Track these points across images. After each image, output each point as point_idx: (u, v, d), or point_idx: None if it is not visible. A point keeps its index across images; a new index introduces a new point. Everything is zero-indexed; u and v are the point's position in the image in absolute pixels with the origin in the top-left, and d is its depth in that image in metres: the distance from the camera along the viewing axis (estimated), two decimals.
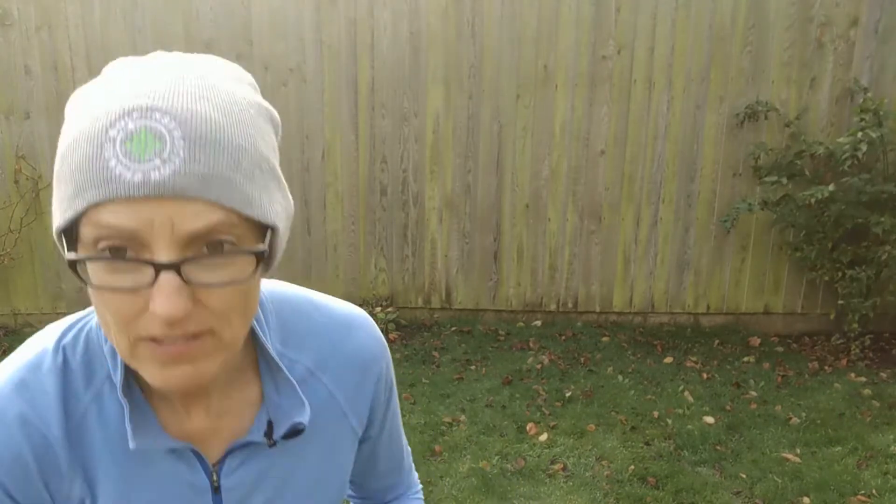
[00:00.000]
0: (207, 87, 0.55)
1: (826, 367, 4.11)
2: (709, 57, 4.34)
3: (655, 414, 3.54)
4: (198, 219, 0.52)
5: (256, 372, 0.71)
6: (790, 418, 3.49)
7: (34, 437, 0.64)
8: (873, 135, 3.84)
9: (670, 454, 3.19)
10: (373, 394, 0.79)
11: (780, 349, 4.38)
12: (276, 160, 0.60)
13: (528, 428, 3.40)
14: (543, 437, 3.33)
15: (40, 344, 0.69)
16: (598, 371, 4.05)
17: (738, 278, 4.61)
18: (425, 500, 2.92)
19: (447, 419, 3.49)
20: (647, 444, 3.29)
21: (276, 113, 0.62)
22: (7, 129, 4.59)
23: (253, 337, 0.71)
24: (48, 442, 0.65)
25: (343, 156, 4.60)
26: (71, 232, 0.55)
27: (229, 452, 0.70)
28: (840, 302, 4.24)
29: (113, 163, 0.50)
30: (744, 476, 3.02)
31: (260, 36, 4.41)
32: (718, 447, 3.24)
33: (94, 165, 0.51)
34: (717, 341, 4.46)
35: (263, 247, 0.57)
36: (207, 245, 0.54)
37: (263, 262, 0.58)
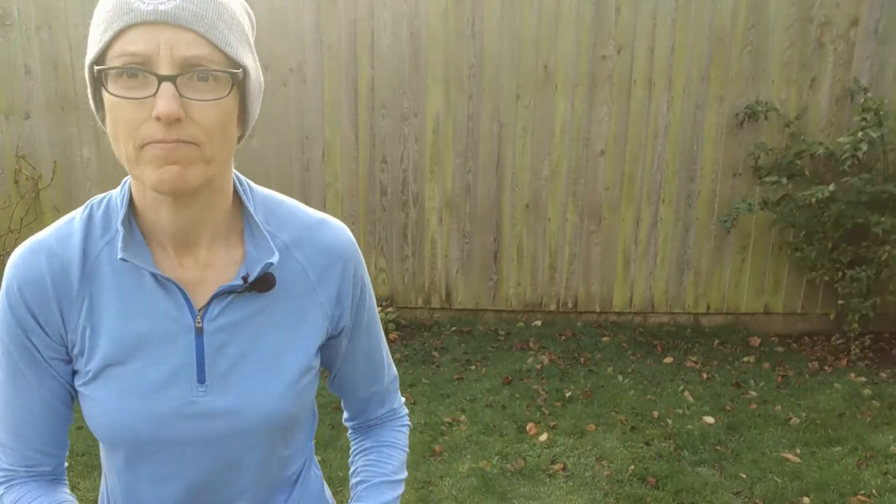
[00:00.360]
0: None
1: (826, 367, 4.11)
2: (709, 57, 4.34)
3: (655, 414, 3.54)
4: (190, 48, 0.72)
5: (241, 239, 0.87)
6: (790, 418, 3.49)
7: (55, 266, 0.82)
8: (873, 135, 3.84)
9: (670, 454, 3.19)
10: (341, 280, 0.91)
11: (780, 349, 4.39)
12: (250, 39, 0.80)
13: (528, 428, 3.40)
14: (543, 437, 3.33)
15: (80, 207, 0.88)
16: (598, 371, 4.05)
17: (738, 278, 4.61)
18: (425, 500, 2.92)
19: (447, 419, 3.49)
20: (647, 444, 3.29)
21: (253, 15, 0.83)
22: (7, 129, 4.59)
23: (240, 208, 0.88)
24: (66, 272, 0.82)
25: (343, 156, 4.60)
26: (100, 62, 0.74)
27: (213, 298, 0.84)
28: (840, 302, 4.24)
29: (134, 2, 0.71)
30: (744, 476, 3.02)
31: (260, 36, 4.40)
32: (718, 447, 3.24)
33: (121, 4, 0.72)
34: (717, 341, 4.47)
35: (237, 71, 0.75)
36: (197, 75, 0.73)
37: (237, 89, 0.77)
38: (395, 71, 4.45)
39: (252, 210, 0.86)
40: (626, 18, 4.33)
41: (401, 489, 1.02)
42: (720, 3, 4.27)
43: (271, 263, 0.83)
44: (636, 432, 3.39)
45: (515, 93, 4.46)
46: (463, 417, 3.51)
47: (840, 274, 4.19)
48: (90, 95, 0.79)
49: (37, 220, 4.68)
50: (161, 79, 0.71)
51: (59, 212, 4.69)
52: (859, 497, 2.84)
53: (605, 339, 4.49)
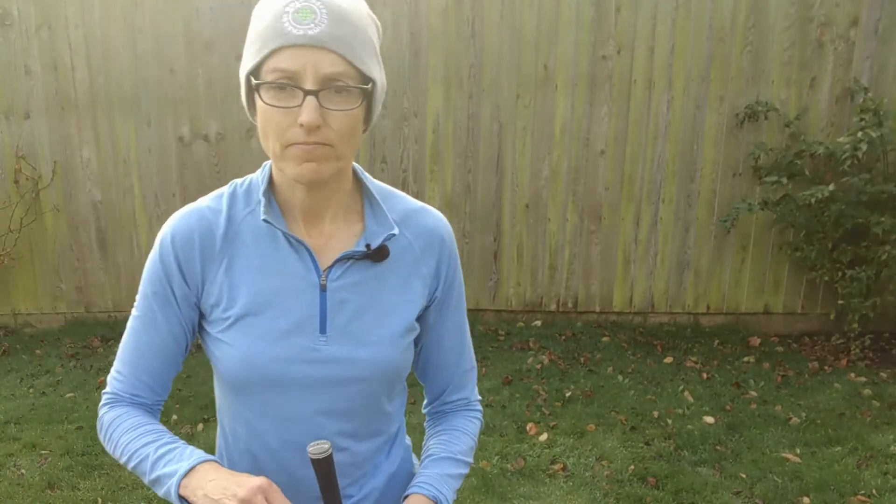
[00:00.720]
0: None
1: (826, 367, 4.11)
2: (709, 57, 4.34)
3: (655, 414, 3.54)
4: (331, 66, 0.88)
5: (362, 216, 1.03)
6: (790, 418, 3.49)
7: (204, 226, 0.99)
8: (873, 134, 3.84)
9: (670, 454, 3.19)
10: (439, 256, 1.06)
11: (780, 349, 4.39)
12: (377, 48, 0.95)
13: (528, 428, 3.40)
14: (543, 437, 3.33)
15: (226, 186, 1.05)
16: (598, 371, 4.05)
17: (738, 278, 4.61)
18: None
19: None
20: (647, 444, 3.29)
21: (379, 23, 0.98)
22: (7, 129, 4.59)
23: (361, 189, 1.05)
24: (212, 233, 0.99)
25: None
26: (256, 74, 0.90)
27: (336, 261, 0.99)
28: (840, 302, 4.24)
29: (286, 25, 0.87)
30: (744, 476, 3.02)
31: None
32: (718, 447, 3.24)
33: (276, 26, 0.87)
34: (717, 341, 4.47)
35: (367, 86, 0.92)
36: (335, 89, 0.89)
37: (366, 100, 0.93)
38: (395, 71, 4.45)
39: (372, 188, 1.04)
40: (626, 18, 4.33)
41: (464, 469, 1.11)
42: (720, 3, 4.27)
43: (393, 235, 1.01)
44: (636, 432, 3.39)
45: (515, 93, 4.46)
46: None
47: (840, 274, 4.19)
48: (244, 98, 0.95)
49: (37, 220, 4.68)
50: (306, 93, 0.87)
51: (59, 212, 4.69)
52: (859, 497, 2.84)
53: (605, 339, 4.49)
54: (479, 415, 1.18)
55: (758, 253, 4.56)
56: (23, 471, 3.10)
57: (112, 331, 4.63)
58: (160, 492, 0.95)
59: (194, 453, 0.95)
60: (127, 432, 1.00)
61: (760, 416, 3.53)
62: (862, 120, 3.96)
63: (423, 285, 1.05)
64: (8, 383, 4.00)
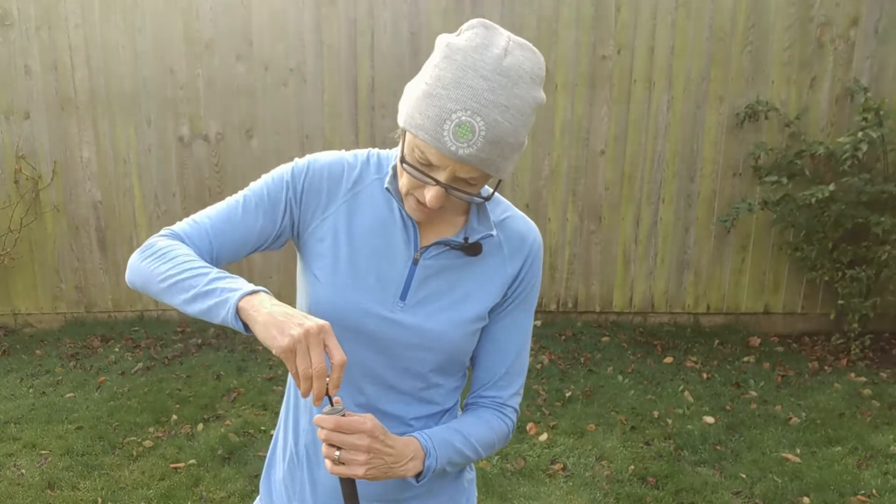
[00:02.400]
0: (513, 98, 0.94)
1: (826, 367, 4.11)
2: (709, 57, 4.34)
3: (655, 414, 3.54)
4: (467, 174, 0.98)
5: (468, 210, 1.14)
6: (790, 418, 3.49)
7: (337, 171, 1.14)
8: (873, 135, 3.83)
9: (670, 454, 3.19)
10: (523, 261, 1.15)
11: (780, 349, 4.38)
12: (525, 140, 1.00)
13: (528, 428, 3.40)
14: (543, 437, 3.33)
15: (367, 150, 1.18)
16: (598, 371, 4.05)
17: (738, 278, 4.61)
18: None
19: None
20: (647, 444, 3.29)
21: (544, 98, 1.00)
22: (7, 129, 4.59)
23: None
24: (340, 181, 1.13)
25: None
26: (407, 125, 0.98)
27: (434, 244, 1.10)
28: (840, 302, 4.24)
29: (445, 134, 0.94)
30: (744, 476, 3.02)
31: (260, 36, 4.41)
32: (718, 447, 3.24)
33: (437, 127, 0.94)
34: (717, 341, 4.46)
35: (488, 192, 1.09)
36: (464, 183, 1.00)
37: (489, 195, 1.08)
38: (395, 71, 4.45)
39: (483, 194, 1.12)
40: (626, 18, 4.33)
41: (470, 453, 1.13)
42: (720, 3, 4.27)
43: (491, 235, 1.11)
44: (636, 432, 3.39)
45: None
46: None
47: (840, 274, 4.19)
48: (399, 118, 1.03)
49: (37, 220, 4.67)
50: (437, 183, 0.98)
51: (59, 212, 4.69)
52: (859, 497, 2.84)
53: (605, 339, 4.49)
54: (509, 420, 1.19)
55: (758, 253, 4.56)
56: (23, 471, 3.10)
57: (112, 331, 4.63)
58: (204, 303, 0.97)
59: (259, 286, 1.00)
60: (188, 255, 1.03)
61: (760, 416, 3.53)
62: (862, 120, 3.96)
63: (503, 283, 1.14)
64: (8, 383, 4.00)
